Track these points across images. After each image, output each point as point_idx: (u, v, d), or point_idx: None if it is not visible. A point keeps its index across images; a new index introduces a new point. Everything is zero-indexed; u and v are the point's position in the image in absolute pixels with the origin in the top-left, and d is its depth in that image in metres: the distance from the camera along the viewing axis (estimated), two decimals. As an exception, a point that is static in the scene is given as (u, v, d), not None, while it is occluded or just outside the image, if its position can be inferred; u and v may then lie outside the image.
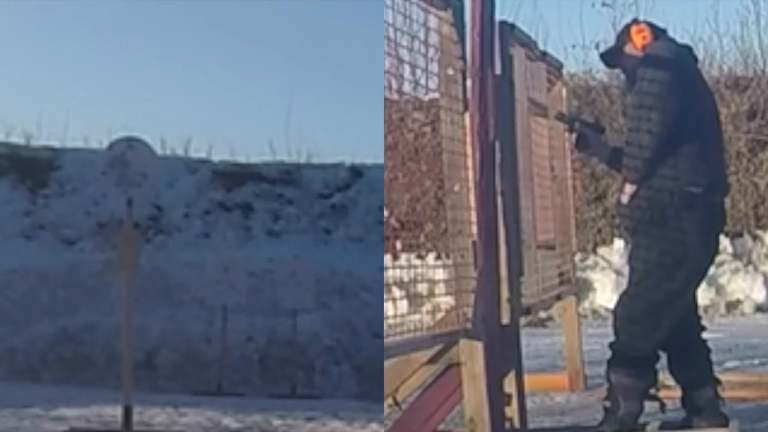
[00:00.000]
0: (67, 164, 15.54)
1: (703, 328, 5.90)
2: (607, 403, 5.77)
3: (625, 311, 5.72)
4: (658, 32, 5.85)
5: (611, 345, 5.80)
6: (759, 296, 15.21)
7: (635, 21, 5.96)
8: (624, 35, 5.91)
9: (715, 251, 5.85)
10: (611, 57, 6.08)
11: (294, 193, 15.71)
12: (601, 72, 16.94)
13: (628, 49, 5.88)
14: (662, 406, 5.87)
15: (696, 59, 5.93)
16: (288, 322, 12.43)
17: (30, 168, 15.52)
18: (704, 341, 5.90)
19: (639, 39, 5.83)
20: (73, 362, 12.76)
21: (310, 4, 24.82)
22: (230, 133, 26.98)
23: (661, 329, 5.67)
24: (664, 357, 5.86)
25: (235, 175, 15.87)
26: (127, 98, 24.05)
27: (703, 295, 13.82)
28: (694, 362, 5.83)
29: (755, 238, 16.24)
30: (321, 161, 16.45)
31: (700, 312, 6.04)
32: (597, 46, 15.54)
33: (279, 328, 12.78)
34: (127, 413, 7.72)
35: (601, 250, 15.67)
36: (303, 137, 23.19)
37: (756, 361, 9.75)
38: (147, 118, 21.42)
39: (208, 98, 25.64)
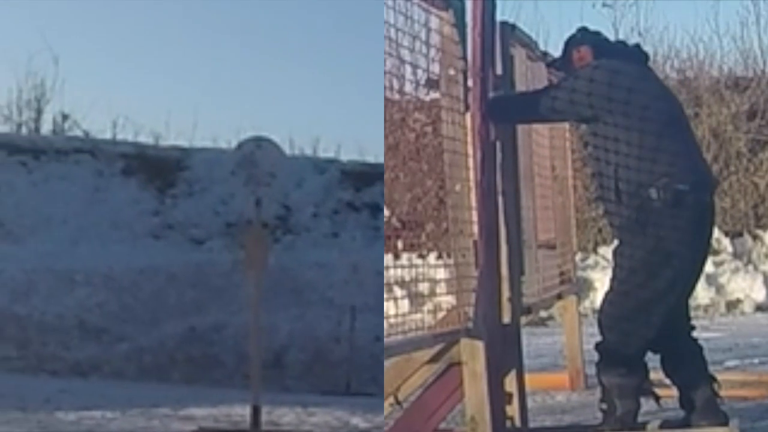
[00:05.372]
0: (196, 164, 15.46)
1: (693, 328, 5.85)
2: (604, 405, 5.76)
3: (613, 309, 5.67)
4: (601, 54, 5.86)
5: (597, 346, 5.75)
6: (759, 296, 15.19)
7: (578, 43, 5.94)
8: (568, 54, 5.97)
9: (707, 249, 5.82)
10: (559, 66, 6.21)
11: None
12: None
13: (571, 65, 5.97)
14: (657, 400, 5.87)
15: (648, 58, 5.94)
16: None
17: (158, 168, 15.42)
18: (695, 340, 5.86)
19: (578, 63, 5.90)
20: (201, 362, 12.68)
21: (309, 3, 24.81)
22: (359, 132, 26.93)
23: (651, 326, 5.62)
24: (657, 357, 5.85)
25: (363, 175, 15.62)
26: (256, 98, 23.91)
27: (703, 294, 13.79)
28: (686, 362, 5.79)
29: (755, 237, 16.23)
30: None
31: (700, 312, 6.05)
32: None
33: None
34: (256, 413, 7.69)
35: (602, 250, 15.65)
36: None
37: (756, 360, 9.74)
38: (275, 118, 21.35)
39: (338, 98, 25.44)
